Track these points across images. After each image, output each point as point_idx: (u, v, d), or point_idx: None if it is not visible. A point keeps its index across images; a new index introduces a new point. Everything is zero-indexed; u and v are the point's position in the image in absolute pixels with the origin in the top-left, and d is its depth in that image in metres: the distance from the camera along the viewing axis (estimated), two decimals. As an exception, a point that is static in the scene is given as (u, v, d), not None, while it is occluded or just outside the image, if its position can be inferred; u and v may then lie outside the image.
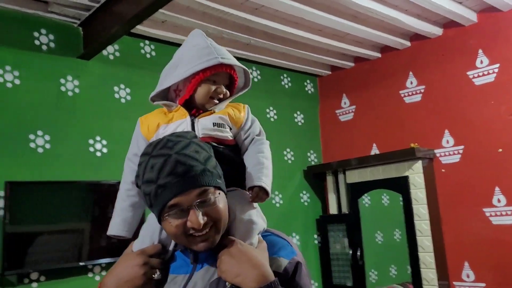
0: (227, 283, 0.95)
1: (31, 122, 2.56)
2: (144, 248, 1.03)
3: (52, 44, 2.71)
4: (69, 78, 2.73)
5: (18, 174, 2.42)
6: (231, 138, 1.10)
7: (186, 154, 0.92)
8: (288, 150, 3.87)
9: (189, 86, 1.07)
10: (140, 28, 2.88)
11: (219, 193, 0.95)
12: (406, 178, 3.28)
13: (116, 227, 1.07)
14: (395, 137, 3.59)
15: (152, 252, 1.02)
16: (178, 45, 3.22)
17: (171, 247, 1.05)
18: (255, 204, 1.06)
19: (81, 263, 2.55)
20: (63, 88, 2.70)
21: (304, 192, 3.93)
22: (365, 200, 3.93)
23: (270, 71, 3.87)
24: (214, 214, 0.93)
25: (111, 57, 2.94)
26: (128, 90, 2.96)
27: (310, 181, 3.98)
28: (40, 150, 2.55)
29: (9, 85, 2.51)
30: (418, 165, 3.22)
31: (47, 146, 2.58)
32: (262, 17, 2.97)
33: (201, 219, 0.91)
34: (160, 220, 0.96)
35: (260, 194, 1.06)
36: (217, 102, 1.10)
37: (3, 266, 2.27)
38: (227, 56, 1.08)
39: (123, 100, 2.93)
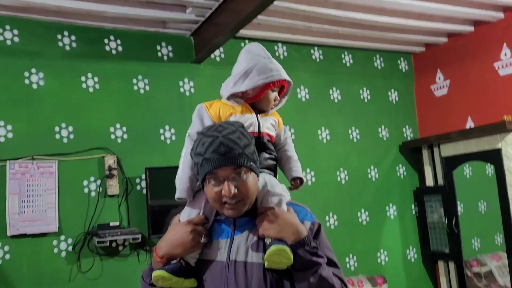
0: (267, 240, 1.19)
1: (160, 119, 3.21)
2: (192, 218, 1.25)
3: (170, 54, 3.33)
4: (186, 80, 3.34)
5: (154, 161, 3.09)
6: (274, 137, 1.42)
7: (230, 138, 1.15)
8: (382, 127, 4.11)
9: (259, 92, 1.36)
10: (240, 31, 3.35)
11: (251, 174, 1.19)
12: (499, 150, 3.35)
13: (185, 192, 1.27)
14: (489, 110, 3.63)
15: (198, 221, 1.25)
16: (273, 41, 3.66)
17: (212, 218, 1.29)
18: (278, 182, 1.33)
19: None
20: (182, 90, 3.31)
21: (401, 166, 4.15)
22: (466, 171, 4.03)
23: (362, 54, 4.10)
24: (243, 190, 1.17)
25: (218, 59, 3.48)
26: (233, 85, 3.48)
27: (406, 156, 4.18)
28: (168, 141, 3.21)
29: (142, 91, 3.19)
30: (511, 137, 3.27)
31: (173, 138, 3.23)
32: (346, 9, 3.24)
33: (232, 190, 1.15)
34: (203, 186, 1.21)
35: (299, 182, 1.44)
36: (274, 107, 1.45)
37: (148, 231, 2.97)
38: (283, 72, 1.40)
39: (229, 95, 3.46)
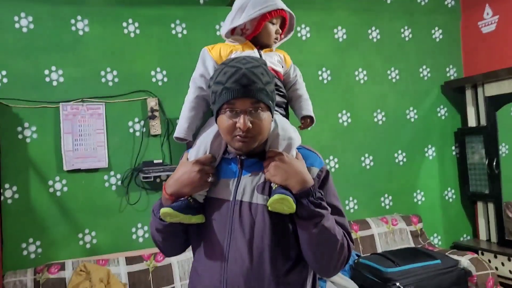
0: (273, 184, 1.19)
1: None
2: (199, 158, 1.24)
3: (207, -3, 3.40)
4: (222, 23, 3.39)
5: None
6: (282, 74, 1.40)
7: (253, 72, 1.14)
8: (424, 67, 4.01)
9: (256, 25, 1.34)
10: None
11: (267, 112, 1.18)
12: (545, 89, 3.22)
13: (184, 132, 1.32)
14: (540, 46, 3.45)
15: (205, 161, 1.24)
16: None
17: (219, 156, 1.28)
18: (289, 124, 1.31)
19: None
20: (218, 33, 3.40)
21: (442, 106, 4.07)
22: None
23: (405, -10, 3.96)
24: (257, 127, 1.16)
25: (254, 0, 3.50)
26: (269, 27, 3.52)
27: (448, 96, 4.09)
28: (206, 83, 3.34)
29: (180, 35, 3.30)
30: (559, 75, 3.12)
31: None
32: None
33: (248, 123, 1.13)
34: (217, 116, 1.20)
35: (309, 121, 1.44)
36: (277, 41, 1.42)
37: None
38: (280, 2, 1.37)
39: (265, 37, 3.51)
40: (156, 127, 3.19)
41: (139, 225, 3.14)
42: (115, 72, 3.14)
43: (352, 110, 3.74)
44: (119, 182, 3.12)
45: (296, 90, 1.44)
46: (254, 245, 1.18)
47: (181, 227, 1.28)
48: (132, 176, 3.14)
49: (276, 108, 1.32)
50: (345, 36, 3.75)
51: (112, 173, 3.11)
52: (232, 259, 1.19)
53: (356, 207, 3.73)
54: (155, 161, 3.15)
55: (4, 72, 2.88)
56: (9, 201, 2.86)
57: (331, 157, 3.64)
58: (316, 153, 1.31)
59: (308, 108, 1.43)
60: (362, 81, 3.79)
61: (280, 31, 1.40)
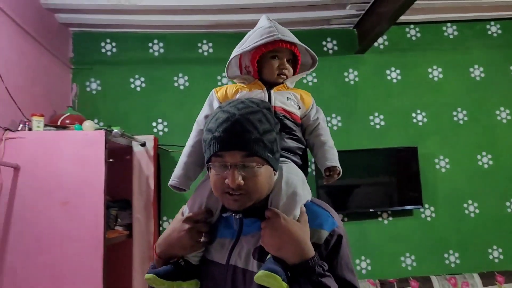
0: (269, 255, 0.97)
1: (328, 107, 3.50)
2: (191, 214, 1.07)
3: (335, 47, 3.62)
4: (350, 70, 3.58)
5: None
6: (298, 115, 1.18)
7: (248, 119, 0.96)
8: None
9: (251, 60, 1.17)
10: (402, 17, 3.41)
11: (264, 167, 0.97)
12: None
13: (178, 179, 1.13)
14: None
15: (198, 217, 1.06)
16: (441, 22, 3.60)
17: (217, 211, 1.09)
18: (301, 175, 1.09)
19: (371, 210, 3.38)
20: (346, 79, 3.58)
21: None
22: None
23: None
24: (251, 184, 0.96)
25: (381, 46, 3.61)
26: (398, 71, 3.57)
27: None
28: (335, 128, 3.52)
29: (310, 84, 3.57)
30: None
31: (339, 124, 3.51)
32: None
33: (237, 180, 0.94)
34: (208, 168, 1.03)
35: (335, 174, 1.17)
36: (285, 77, 1.20)
37: (317, 208, 3.34)
38: (288, 35, 1.17)
39: (394, 80, 3.57)
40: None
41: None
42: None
43: (493, 152, 3.50)
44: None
45: (318, 136, 1.22)
46: None
47: None
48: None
49: (289, 155, 1.13)
50: (482, 75, 3.59)
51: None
52: None
53: (501, 257, 3.41)
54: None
55: (166, 123, 3.49)
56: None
57: (469, 201, 3.43)
58: (329, 211, 1.07)
59: (333, 158, 1.18)
60: (504, 121, 3.54)
61: (286, 65, 1.20)
